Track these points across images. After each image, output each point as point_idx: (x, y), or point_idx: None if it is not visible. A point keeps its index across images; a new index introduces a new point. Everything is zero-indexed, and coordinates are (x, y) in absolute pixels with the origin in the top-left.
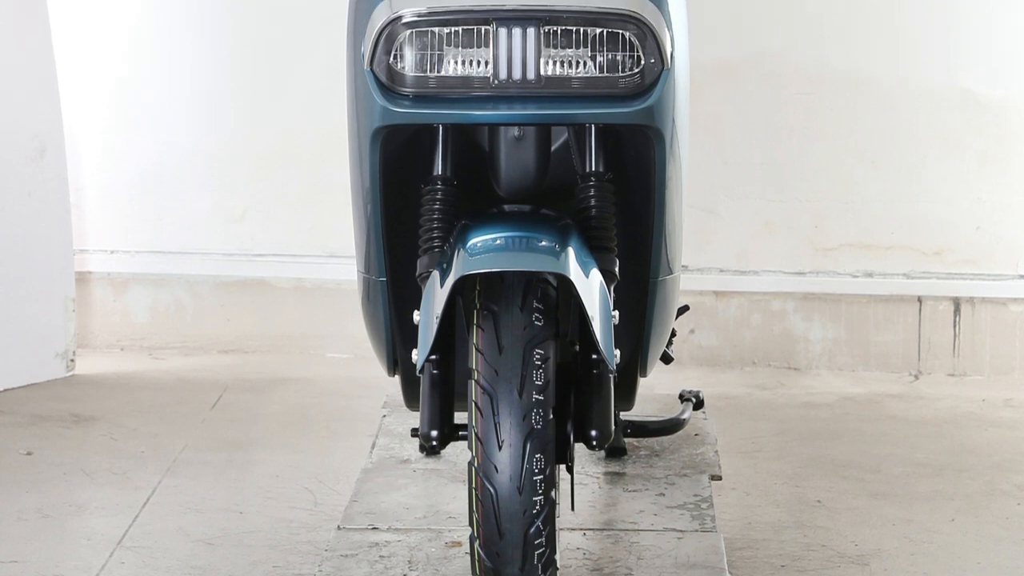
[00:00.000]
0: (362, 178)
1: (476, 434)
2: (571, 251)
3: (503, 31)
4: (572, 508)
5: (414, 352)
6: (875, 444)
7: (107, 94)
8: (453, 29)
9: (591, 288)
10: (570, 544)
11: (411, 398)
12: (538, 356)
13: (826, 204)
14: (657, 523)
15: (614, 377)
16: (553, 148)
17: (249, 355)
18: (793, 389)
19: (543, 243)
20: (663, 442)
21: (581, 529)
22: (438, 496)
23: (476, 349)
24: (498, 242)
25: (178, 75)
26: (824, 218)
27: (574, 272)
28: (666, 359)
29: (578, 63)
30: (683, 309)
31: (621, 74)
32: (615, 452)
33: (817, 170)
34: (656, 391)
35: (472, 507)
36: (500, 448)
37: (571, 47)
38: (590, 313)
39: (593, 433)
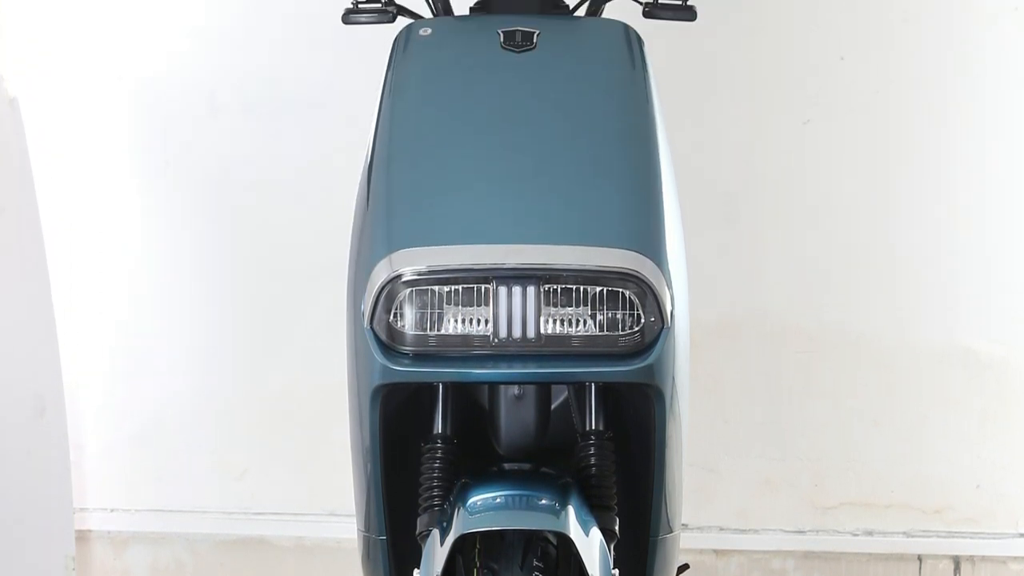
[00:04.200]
0: (362, 436)
1: None
2: (571, 509)
3: (503, 289)
4: None
5: None
6: None
7: (106, 351)
8: (453, 287)
9: (591, 546)
10: None
11: None
12: None
13: (826, 462)
14: None
15: None
16: (553, 406)
17: None
18: None
19: (543, 501)
20: None
21: None
22: None
23: None
24: (498, 500)
25: (178, 332)
26: (824, 476)
27: (574, 530)
28: None
29: (578, 321)
30: (683, 567)
31: (621, 332)
32: None
33: (817, 428)
34: None
35: None
36: None
37: (571, 305)
38: (590, 571)
39: None
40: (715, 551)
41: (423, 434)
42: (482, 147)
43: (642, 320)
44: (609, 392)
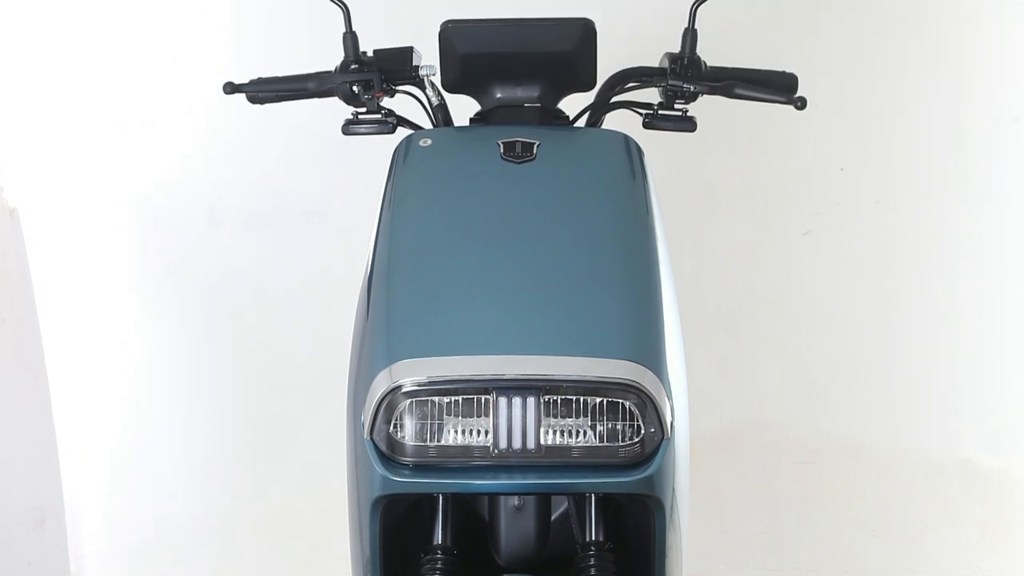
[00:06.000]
0: (362, 547)
1: None
2: None
3: (503, 400)
4: None
5: None
6: None
7: (107, 462)
8: (453, 398)
9: None
10: None
11: None
12: None
13: (826, 573)
14: None
15: None
16: (553, 517)
17: None
18: None
19: None
20: None
21: None
22: None
23: None
24: None
25: (178, 443)
26: None
27: None
28: None
29: (578, 432)
30: None
31: (621, 443)
32: None
33: (817, 539)
34: None
35: None
36: None
37: (571, 416)
38: None
39: None
40: None
41: (423, 545)
42: (482, 258)
43: (642, 431)
44: (609, 503)
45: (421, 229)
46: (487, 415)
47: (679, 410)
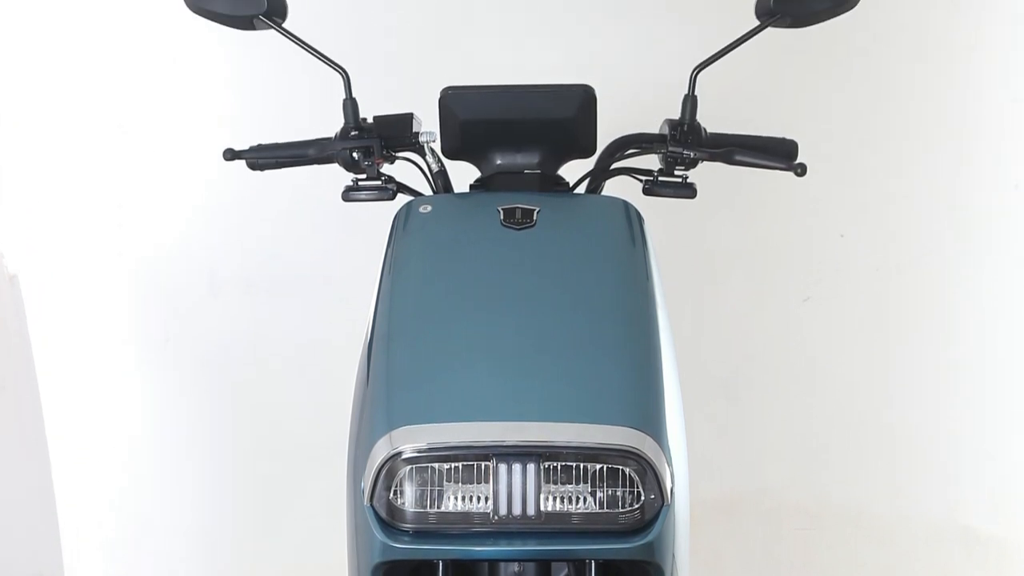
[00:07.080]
0: None
1: None
2: None
3: (503, 467)
4: None
5: None
6: None
7: (105, 528)
8: (453, 465)
9: None
10: None
11: None
12: None
13: None
14: None
15: None
16: None
17: None
18: None
19: None
20: None
21: None
22: None
23: None
24: None
25: (177, 509)
26: None
27: None
28: None
29: (578, 499)
30: None
31: (621, 510)
32: None
33: None
34: None
35: None
36: None
37: (571, 483)
38: None
39: None
40: None
41: None
42: (482, 324)
43: (642, 497)
44: (609, 569)
45: (421, 295)
46: (487, 481)
47: (679, 476)
